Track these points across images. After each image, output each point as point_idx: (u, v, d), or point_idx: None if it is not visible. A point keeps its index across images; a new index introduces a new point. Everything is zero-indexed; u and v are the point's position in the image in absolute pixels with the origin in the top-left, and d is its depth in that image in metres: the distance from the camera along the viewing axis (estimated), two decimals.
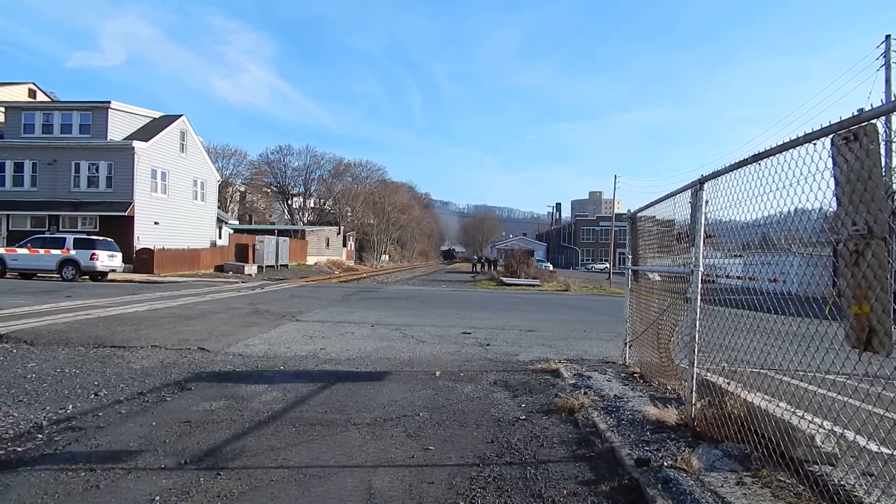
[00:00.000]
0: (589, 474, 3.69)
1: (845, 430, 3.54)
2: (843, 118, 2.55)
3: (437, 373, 6.82)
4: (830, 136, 2.66)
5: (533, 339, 10.07)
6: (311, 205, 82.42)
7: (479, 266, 57.33)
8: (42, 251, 21.83)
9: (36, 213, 29.14)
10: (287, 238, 44.56)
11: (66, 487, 3.24)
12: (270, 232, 47.12)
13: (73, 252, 21.91)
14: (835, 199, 2.67)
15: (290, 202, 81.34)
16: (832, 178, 2.69)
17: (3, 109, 30.57)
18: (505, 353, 8.46)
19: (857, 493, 2.91)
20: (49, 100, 35.92)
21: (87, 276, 22.51)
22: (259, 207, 78.08)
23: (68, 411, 4.75)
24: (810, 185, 2.86)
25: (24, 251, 21.88)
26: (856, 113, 2.51)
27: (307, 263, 48.52)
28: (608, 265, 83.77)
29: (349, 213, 77.68)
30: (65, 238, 22.53)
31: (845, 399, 3.62)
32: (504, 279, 34.67)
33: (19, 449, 3.86)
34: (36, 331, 8.53)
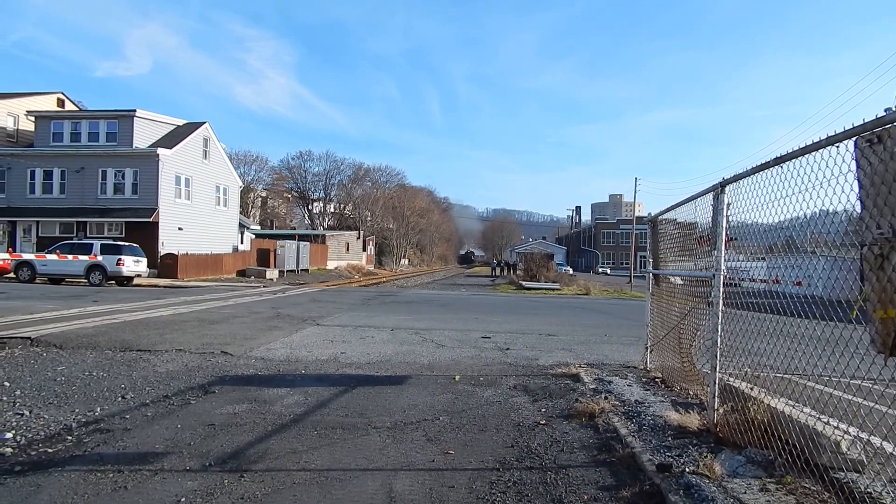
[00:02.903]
0: (610, 480, 3.67)
1: (872, 437, 3.47)
2: (866, 120, 2.51)
3: (457, 377, 6.83)
4: (854, 138, 2.62)
5: (553, 343, 10.03)
6: (332, 210, 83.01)
7: (498, 270, 57.21)
8: (70, 257, 22.32)
9: (64, 219, 29.86)
10: (308, 243, 44.95)
11: (95, 488, 3.32)
12: (291, 237, 47.57)
13: (100, 258, 22.38)
14: (859, 202, 2.64)
15: (310, 207, 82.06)
16: (856, 181, 2.65)
17: (33, 118, 31.40)
18: (525, 357, 8.44)
19: (884, 501, 2.85)
20: (77, 109, 36.74)
21: (113, 281, 22.98)
22: (280, 213, 78.92)
23: (96, 413, 4.86)
24: (833, 188, 2.82)
25: (53, 257, 22.38)
26: (880, 115, 2.48)
27: (327, 268, 48.90)
28: (607, 269, 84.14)
29: (369, 218, 78.13)
30: (92, 244, 23.03)
31: (871, 404, 3.56)
32: (524, 283, 34.55)
33: (50, 450, 3.97)
34: (65, 334, 8.73)
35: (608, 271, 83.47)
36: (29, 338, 8.22)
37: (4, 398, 5.21)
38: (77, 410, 4.93)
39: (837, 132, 2.70)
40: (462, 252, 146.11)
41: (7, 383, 5.74)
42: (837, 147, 2.76)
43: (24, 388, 5.58)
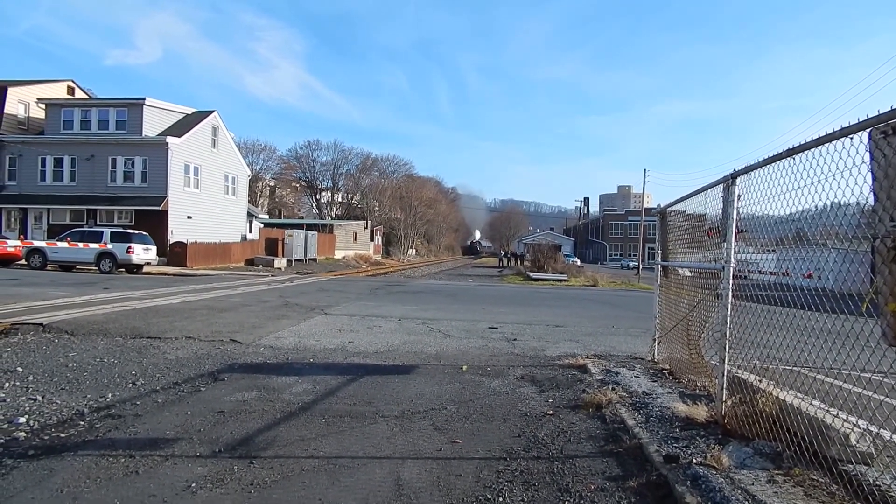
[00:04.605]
0: (616, 470, 3.68)
1: (881, 430, 3.46)
2: (881, 111, 2.48)
3: (464, 367, 6.85)
4: (868, 129, 2.59)
5: (560, 334, 10.03)
6: (339, 199, 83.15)
7: (505, 261, 57.21)
8: (81, 244, 22.53)
9: (75, 206, 30.11)
10: (315, 232, 45.10)
11: (107, 472, 3.36)
12: (299, 226, 47.70)
13: (110, 245, 22.58)
14: (872, 194, 2.61)
15: (318, 197, 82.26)
16: (869, 173, 2.63)
17: (43, 106, 31.58)
18: (532, 348, 8.45)
19: (892, 494, 2.85)
20: (87, 97, 36.86)
21: (123, 269, 23.17)
22: (288, 202, 79.16)
23: (108, 399, 4.92)
24: (846, 180, 2.80)
25: (64, 244, 22.59)
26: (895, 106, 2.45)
27: (335, 257, 49.04)
28: (630, 261, 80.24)
29: (376, 208, 78.24)
30: (102, 232, 23.22)
31: (881, 398, 3.55)
32: (531, 274, 34.53)
33: (62, 435, 4.03)
34: (76, 321, 8.82)
35: (631, 264, 78.65)
36: (41, 324, 8.31)
37: (17, 383, 5.29)
38: (89, 396, 4.99)
39: (852, 123, 2.67)
40: (469, 242, 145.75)
41: (20, 368, 5.82)
42: (851, 139, 2.73)
43: (36, 374, 5.65)
